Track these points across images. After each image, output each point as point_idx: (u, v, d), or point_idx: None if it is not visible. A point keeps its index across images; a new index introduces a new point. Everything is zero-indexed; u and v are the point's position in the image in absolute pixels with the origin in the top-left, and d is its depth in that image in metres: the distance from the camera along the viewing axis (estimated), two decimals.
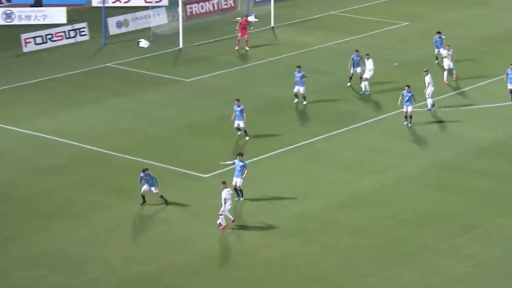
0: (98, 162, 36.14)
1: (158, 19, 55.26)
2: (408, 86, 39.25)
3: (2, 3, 59.68)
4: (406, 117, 39.34)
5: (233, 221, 30.87)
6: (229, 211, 30.73)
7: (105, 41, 52.28)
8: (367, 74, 43.60)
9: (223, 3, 58.27)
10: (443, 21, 55.72)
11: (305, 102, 41.81)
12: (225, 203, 30.52)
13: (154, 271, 28.16)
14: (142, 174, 32.23)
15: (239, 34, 50.58)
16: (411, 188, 33.81)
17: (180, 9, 52.79)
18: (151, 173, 32.16)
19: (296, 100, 41.93)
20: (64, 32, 52.42)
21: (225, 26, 54.83)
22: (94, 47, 51.68)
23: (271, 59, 49.51)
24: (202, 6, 57.17)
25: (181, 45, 51.32)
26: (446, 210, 32.09)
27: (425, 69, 41.98)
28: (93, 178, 34.50)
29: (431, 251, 29.37)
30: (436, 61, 47.50)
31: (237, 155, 32.90)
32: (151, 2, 57.73)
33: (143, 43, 51.76)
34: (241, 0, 58.55)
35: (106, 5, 53.96)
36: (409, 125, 39.11)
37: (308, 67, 47.51)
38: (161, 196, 32.31)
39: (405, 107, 39.22)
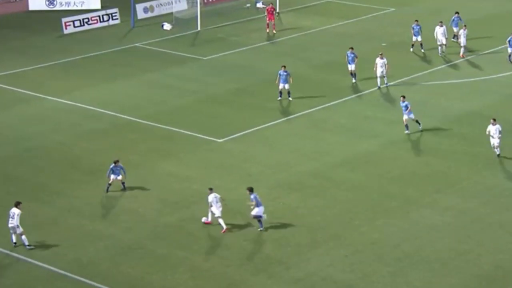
0: (133, 128, 36.08)
1: (179, 5, 54.98)
2: (403, 97, 35.35)
3: None
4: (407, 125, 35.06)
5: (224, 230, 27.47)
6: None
7: (133, 24, 52.03)
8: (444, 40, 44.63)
9: None
10: (425, 7, 55.42)
11: (290, 98, 38.35)
12: (210, 206, 27.52)
13: (178, 221, 28.23)
14: (112, 166, 29.77)
15: (267, 19, 50.25)
16: (399, 151, 33.76)
17: None
18: (121, 165, 29.91)
19: (280, 98, 38.39)
20: (99, 16, 52.17)
21: (238, 11, 54.55)
22: (124, 30, 51.45)
23: (277, 40, 49.26)
24: None
25: (199, 28, 51.07)
26: (429, 169, 32.08)
27: (380, 53, 40.51)
28: (131, 141, 34.47)
29: (416, 204, 29.41)
30: (453, 39, 46.52)
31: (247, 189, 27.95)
32: None
33: (166, 26, 51.50)
34: None
35: None
36: (406, 131, 34.94)
37: (308, 47, 47.49)
38: (123, 183, 30.04)
39: (405, 116, 35.04)
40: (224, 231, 27.41)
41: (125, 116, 37.27)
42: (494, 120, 32.56)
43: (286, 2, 56.11)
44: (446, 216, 28.56)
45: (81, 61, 45.34)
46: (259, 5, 56.03)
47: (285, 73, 38.27)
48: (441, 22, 45.29)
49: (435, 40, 45.25)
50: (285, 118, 37.15)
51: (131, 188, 30.54)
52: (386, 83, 40.60)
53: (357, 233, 27.45)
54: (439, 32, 44.97)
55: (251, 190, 27.72)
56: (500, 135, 32.39)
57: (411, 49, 45.87)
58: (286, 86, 38.52)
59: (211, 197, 27.65)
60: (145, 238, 27.15)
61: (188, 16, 53.16)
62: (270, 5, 50.98)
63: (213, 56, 46.18)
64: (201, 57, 45.98)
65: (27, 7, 55.46)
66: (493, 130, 32.49)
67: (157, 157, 33.09)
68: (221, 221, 27.56)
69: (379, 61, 40.28)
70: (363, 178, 31.43)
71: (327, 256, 26.10)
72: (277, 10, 54.71)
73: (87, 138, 34.88)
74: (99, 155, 33.19)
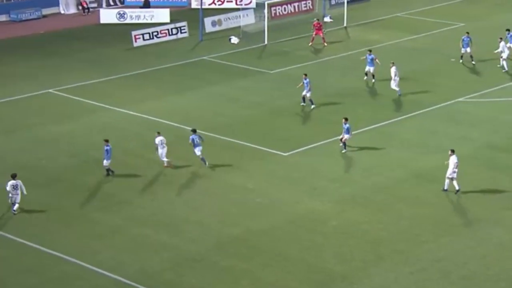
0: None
1: (247, 19, 55.24)
2: (346, 119, 34.13)
3: (117, 5, 60.45)
4: (342, 143, 34.31)
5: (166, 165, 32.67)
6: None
7: (201, 38, 52.43)
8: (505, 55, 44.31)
9: (303, 5, 57.89)
10: (494, 22, 54.38)
11: (313, 106, 38.98)
12: (156, 149, 32.66)
13: (242, 233, 28.15)
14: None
15: (314, 34, 50.22)
16: (467, 167, 32.92)
17: (266, 10, 52.66)
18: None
19: (303, 103, 39.23)
20: (168, 29, 52.74)
21: (304, 25, 54.30)
22: (192, 43, 51.87)
23: (343, 54, 48.96)
24: (284, 8, 56.93)
25: (266, 42, 51.14)
26: (498, 186, 31.26)
27: (391, 62, 41.20)
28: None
29: (483, 221, 28.70)
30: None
31: (191, 130, 33.27)
32: (241, 4, 57.73)
33: (234, 40, 51.73)
34: (319, 2, 58.10)
35: (203, 7, 54.16)
36: (343, 151, 34.18)
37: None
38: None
39: (342, 135, 34.32)
40: (166, 166, 32.73)
41: (191, 128, 37.40)
42: (452, 151, 30.22)
43: (353, 16, 55.83)
44: None
45: (149, 74, 45.86)
46: (327, 19, 55.92)
47: (306, 81, 39.21)
48: (500, 38, 45.12)
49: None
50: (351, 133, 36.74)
51: (195, 199, 30.63)
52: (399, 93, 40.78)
53: (422, 250, 26.91)
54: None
55: (194, 131, 32.99)
56: (455, 169, 29.86)
57: (460, 60, 45.77)
58: (308, 94, 39.22)
59: (158, 140, 32.58)
60: (208, 250, 27.14)
61: (255, 30, 53.34)
62: (316, 21, 50.73)
63: (279, 70, 46.15)
64: (267, 71, 45.98)
65: (99, 20, 56.51)
66: (450, 161, 30.01)
67: (222, 169, 33.12)
68: (165, 159, 32.74)
69: (392, 70, 40.63)
70: (429, 194, 30.84)
71: (392, 273, 25.63)
72: (345, 25, 54.49)
73: (153, 148, 35.15)
74: (161, 164, 33.40)
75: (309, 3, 58.08)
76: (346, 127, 34.10)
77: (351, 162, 33.72)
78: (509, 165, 33.10)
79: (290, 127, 37.63)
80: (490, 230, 28.09)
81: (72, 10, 59.63)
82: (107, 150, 32.06)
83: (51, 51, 50.17)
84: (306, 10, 57.80)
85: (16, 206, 29.28)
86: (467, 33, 45.91)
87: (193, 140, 32.85)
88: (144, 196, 30.92)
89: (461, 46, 45.67)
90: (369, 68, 42.77)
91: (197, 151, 32.79)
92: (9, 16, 57.04)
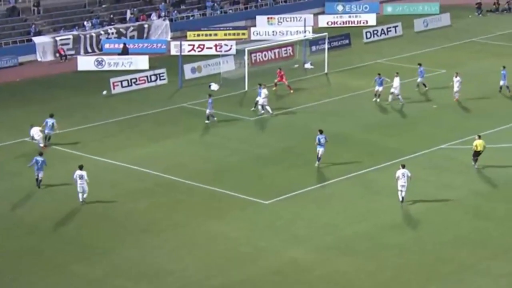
0: (179, 188, 36.20)
1: (227, 66, 55.58)
2: (321, 131, 37.94)
3: (95, 52, 60.66)
4: (318, 157, 37.93)
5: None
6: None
7: (181, 85, 52.65)
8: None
9: (283, 52, 58.44)
10: (474, 68, 55.17)
11: (215, 118, 44.60)
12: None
13: (224, 284, 27.96)
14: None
15: (277, 80, 50.59)
16: (452, 214, 33.17)
17: (246, 57, 53.06)
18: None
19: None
20: (147, 76, 52.92)
21: (285, 72, 54.55)
22: (172, 90, 52.05)
23: (325, 100, 49.30)
24: (265, 55, 57.46)
25: (246, 88, 51.42)
26: (483, 234, 31.42)
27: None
28: (176, 201, 34.55)
29: (470, 270, 28.74)
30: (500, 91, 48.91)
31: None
32: (221, 51, 58.22)
33: (214, 86, 51.96)
34: (299, 49, 58.69)
35: (182, 53, 54.49)
36: (317, 164, 37.95)
37: (357, 107, 47.46)
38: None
39: (318, 148, 37.96)
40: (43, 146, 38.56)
41: (170, 176, 37.40)
42: (403, 166, 33.95)
43: (334, 62, 56.40)
44: (501, 285, 27.80)
45: (128, 121, 45.86)
46: (307, 65, 56.45)
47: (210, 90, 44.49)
48: (397, 73, 48.80)
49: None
50: (334, 180, 36.88)
51: (177, 249, 30.46)
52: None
53: None
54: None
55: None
56: (405, 182, 33.44)
57: (417, 88, 50.12)
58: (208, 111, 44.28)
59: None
60: None
61: (235, 77, 53.67)
62: (279, 70, 51.17)
63: (260, 117, 46.33)
64: (248, 118, 46.17)
65: (77, 68, 56.64)
66: (400, 174, 33.62)
67: (203, 217, 33.02)
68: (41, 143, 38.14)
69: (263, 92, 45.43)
70: (415, 242, 30.89)
71: None
72: (326, 71, 55.01)
73: (132, 197, 35.05)
74: (145, 214, 33.29)
75: (289, 49, 58.64)
76: (318, 138, 37.26)
77: (334, 209, 33.76)
78: (493, 213, 33.28)
79: (270, 175, 37.67)
80: (476, 279, 28.11)
81: (49, 57, 59.67)
82: (37, 161, 35.16)
83: (28, 98, 50.12)
84: (287, 57, 58.33)
85: (85, 195, 33.44)
86: (419, 64, 50.45)
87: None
88: (124, 246, 30.69)
89: (373, 83, 49.05)
90: (259, 99, 46.25)
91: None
92: None
